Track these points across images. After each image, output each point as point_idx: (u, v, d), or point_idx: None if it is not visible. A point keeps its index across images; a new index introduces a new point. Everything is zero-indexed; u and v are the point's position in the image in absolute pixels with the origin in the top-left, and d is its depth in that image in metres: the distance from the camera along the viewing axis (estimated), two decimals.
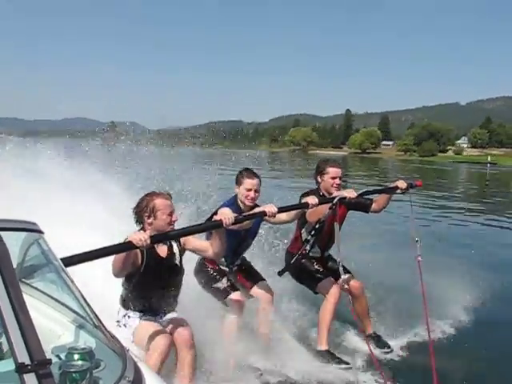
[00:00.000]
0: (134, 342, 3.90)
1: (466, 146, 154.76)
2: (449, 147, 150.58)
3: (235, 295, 4.89)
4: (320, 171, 5.43)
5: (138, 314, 4.10)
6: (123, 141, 11.28)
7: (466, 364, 5.13)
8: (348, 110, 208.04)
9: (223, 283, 4.95)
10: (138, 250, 3.88)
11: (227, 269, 5.11)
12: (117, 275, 3.92)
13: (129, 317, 4.09)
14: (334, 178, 5.34)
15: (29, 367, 1.53)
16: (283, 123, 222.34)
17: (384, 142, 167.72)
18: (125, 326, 4.05)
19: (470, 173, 61.12)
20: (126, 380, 2.01)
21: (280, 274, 5.42)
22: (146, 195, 4.17)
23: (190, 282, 4.67)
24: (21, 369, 1.52)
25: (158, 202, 4.05)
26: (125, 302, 4.16)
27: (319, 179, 5.45)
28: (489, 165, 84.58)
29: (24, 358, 1.56)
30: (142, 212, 4.10)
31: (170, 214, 4.06)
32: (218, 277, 4.98)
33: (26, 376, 1.52)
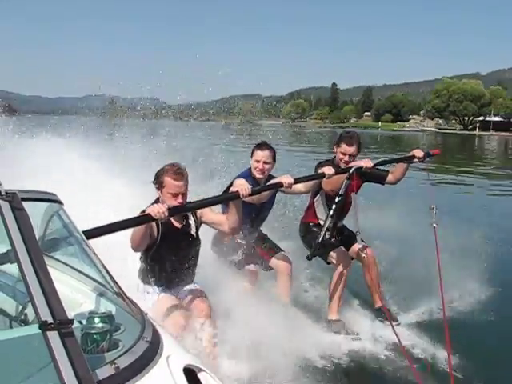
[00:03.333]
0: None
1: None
2: (410, 116, 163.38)
3: (250, 268, 4.98)
4: (337, 143, 5.42)
5: (156, 289, 4.14)
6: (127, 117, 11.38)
7: (481, 338, 5.13)
8: (334, 83, 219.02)
9: (239, 255, 5.04)
10: (153, 222, 3.86)
11: (244, 241, 5.18)
12: (136, 249, 3.96)
13: (148, 292, 4.14)
14: (344, 153, 5.31)
15: (52, 325, 1.61)
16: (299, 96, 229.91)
17: (366, 114, 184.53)
18: (144, 300, 4.02)
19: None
20: (145, 340, 2.10)
21: (309, 258, 5.32)
22: (164, 167, 4.06)
23: (207, 253, 4.74)
24: (44, 326, 1.60)
25: (167, 180, 3.94)
26: (143, 276, 4.22)
27: (335, 149, 5.44)
28: (379, 129, 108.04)
29: (47, 317, 1.64)
30: (155, 182, 4.06)
31: (175, 196, 3.92)
32: (233, 250, 5.06)
33: (49, 333, 1.60)
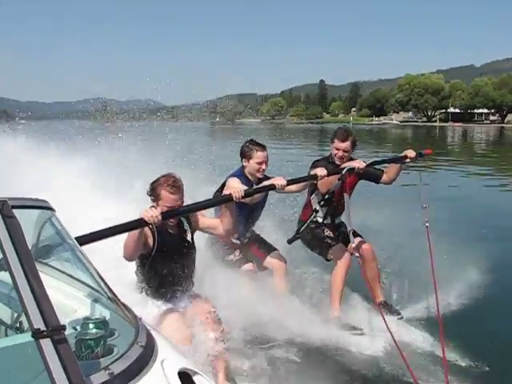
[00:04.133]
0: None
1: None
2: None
3: (247, 267, 4.99)
4: (331, 139, 5.46)
5: (156, 302, 4.07)
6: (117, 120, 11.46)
7: (475, 335, 5.12)
8: (322, 80, 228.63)
9: (235, 255, 5.05)
10: (149, 231, 3.90)
11: (238, 242, 5.18)
12: (129, 258, 3.92)
13: (146, 305, 4.01)
14: (337, 149, 5.35)
15: (44, 333, 1.60)
16: (293, 93, 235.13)
17: (353, 109, 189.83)
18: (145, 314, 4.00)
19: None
20: (139, 345, 2.09)
21: (289, 242, 5.48)
22: (159, 178, 4.03)
23: (202, 257, 4.72)
24: (37, 334, 1.59)
25: (163, 193, 3.92)
26: (141, 289, 4.13)
27: (330, 145, 5.48)
28: (351, 123, 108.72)
29: (39, 324, 1.63)
30: (150, 194, 4.03)
31: (171, 208, 3.92)
32: (229, 250, 5.07)
33: (42, 341, 1.60)
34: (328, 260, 5.51)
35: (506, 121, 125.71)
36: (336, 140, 5.37)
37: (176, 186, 3.94)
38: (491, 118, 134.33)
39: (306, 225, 5.37)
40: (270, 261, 5.29)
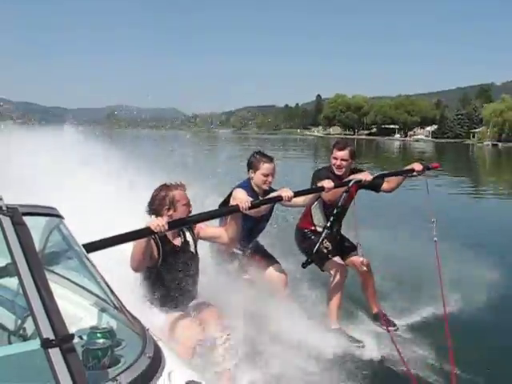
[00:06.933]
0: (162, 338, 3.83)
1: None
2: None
3: (246, 277, 4.99)
4: (331, 150, 5.51)
5: (163, 309, 4.08)
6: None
7: (483, 347, 5.11)
8: (318, 95, 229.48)
9: (234, 266, 5.03)
10: (153, 244, 3.96)
11: (240, 252, 5.17)
12: (136, 268, 3.94)
13: (153, 314, 4.02)
14: (335, 158, 5.39)
15: (53, 342, 1.59)
16: (311, 106, 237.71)
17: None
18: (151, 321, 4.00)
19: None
20: (147, 356, 2.08)
21: (304, 266, 5.37)
22: (162, 188, 4.16)
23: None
24: (46, 344, 1.58)
25: (177, 193, 4.07)
26: (148, 300, 4.11)
27: (330, 156, 5.52)
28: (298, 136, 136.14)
29: (48, 334, 1.62)
30: (160, 205, 4.08)
31: (188, 205, 4.10)
32: (229, 259, 5.05)
33: (51, 351, 1.59)
34: (323, 271, 5.52)
35: (409, 135, 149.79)
36: (334, 149, 5.44)
37: (183, 184, 4.19)
38: (409, 133, 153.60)
39: (318, 245, 5.28)
40: (271, 273, 5.25)
